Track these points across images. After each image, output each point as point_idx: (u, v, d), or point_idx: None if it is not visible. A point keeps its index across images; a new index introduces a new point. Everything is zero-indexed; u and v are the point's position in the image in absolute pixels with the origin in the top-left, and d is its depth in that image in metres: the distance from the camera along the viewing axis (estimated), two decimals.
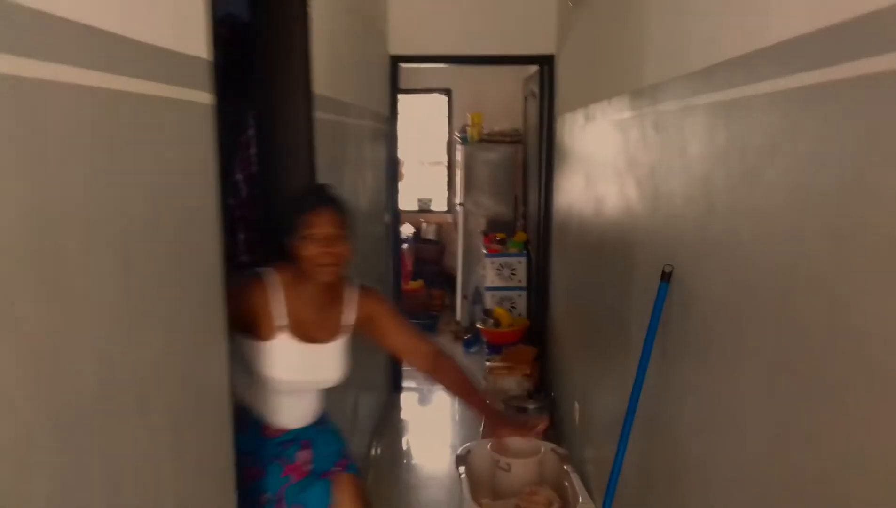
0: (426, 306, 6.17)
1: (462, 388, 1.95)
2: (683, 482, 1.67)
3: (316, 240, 1.67)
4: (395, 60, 4.05)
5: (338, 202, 1.74)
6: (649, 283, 1.86)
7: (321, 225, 1.67)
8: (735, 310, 1.37)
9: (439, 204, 6.92)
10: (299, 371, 1.77)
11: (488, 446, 2.76)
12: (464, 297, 5.96)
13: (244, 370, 1.75)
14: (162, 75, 1.05)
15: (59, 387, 0.80)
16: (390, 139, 4.13)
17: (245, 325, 1.70)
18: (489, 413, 2.02)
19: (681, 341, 1.69)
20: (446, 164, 6.87)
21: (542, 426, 1.98)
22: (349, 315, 1.84)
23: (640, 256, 2.07)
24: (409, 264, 6.16)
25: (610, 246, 2.50)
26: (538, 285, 4.57)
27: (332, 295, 1.82)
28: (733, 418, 1.37)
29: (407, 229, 6.43)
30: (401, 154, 4.42)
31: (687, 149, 1.65)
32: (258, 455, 1.79)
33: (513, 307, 5.28)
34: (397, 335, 1.93)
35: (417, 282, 6.21)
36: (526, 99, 5.54)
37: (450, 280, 6.48)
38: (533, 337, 4.62)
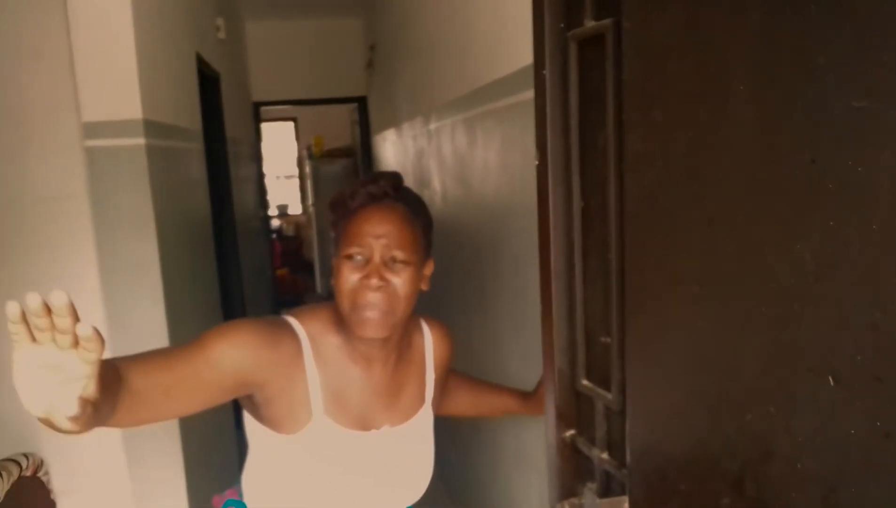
0: (292, 290, 7.92)
1: (479, 401, 1.34)
2: None
3: (356, 264, 1.04)
4: (257, 105, 5.82)
5: (406, 201, 1.10)
6: None
7: (368, 236, 1.04)
8: None
9: (295, 208, 8.70)
10: (353, 479, 1.10)
11: None
12: (322, 276, 7.80)
13: (263, 483, 1.13)
14: (191, 138, 2.84)
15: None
16: (257, 159, 5.88)
17: (257, 406, 1.06)
18: (527, 408, 1.31)
19: None
20: (297, 175, 8.67)
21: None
22: (430, 379, 1.21)
23: None
24: (278, 253, 7.89)
25: None
26: None
27: (401, 350, 1.17)
28: None
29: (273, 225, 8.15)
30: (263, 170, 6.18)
31: (410, 150, 3.62)
32: None
33: None
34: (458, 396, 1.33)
35: (284, 270, 7.94)
36: (352, 124, 7.49)
37: (308, 266, 8.31)
38: None
